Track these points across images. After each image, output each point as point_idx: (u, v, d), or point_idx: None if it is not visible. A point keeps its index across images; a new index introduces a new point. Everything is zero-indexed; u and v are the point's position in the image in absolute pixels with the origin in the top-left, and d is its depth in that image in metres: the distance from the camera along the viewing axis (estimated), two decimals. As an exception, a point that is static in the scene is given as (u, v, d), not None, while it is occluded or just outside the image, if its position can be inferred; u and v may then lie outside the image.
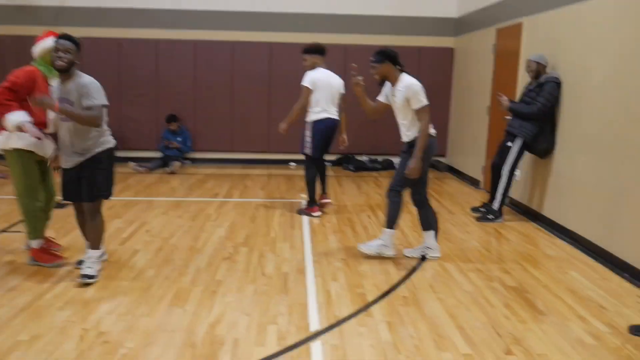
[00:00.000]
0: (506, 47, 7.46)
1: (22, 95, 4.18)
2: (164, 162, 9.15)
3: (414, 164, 4.53)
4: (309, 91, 6.04)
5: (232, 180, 8.39)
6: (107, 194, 4.23)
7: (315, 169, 6.30)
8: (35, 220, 4.42)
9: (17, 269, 4.38)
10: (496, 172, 6.25)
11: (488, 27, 8.18)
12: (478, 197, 7.48)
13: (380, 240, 4.87)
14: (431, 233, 4.91)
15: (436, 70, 9.80)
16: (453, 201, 7.31)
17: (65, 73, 3.93)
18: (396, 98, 4.66)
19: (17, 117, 4.17)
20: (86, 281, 4.04)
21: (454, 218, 6.38)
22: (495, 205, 6.21)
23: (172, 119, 9.40)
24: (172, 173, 8.83)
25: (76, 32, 9.44)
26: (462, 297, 4.06)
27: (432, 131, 4.68)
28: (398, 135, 4.86)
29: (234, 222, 5.97)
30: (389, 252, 4.84)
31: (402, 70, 4.69)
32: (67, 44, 3.89)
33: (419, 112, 4.56)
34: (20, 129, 4.17)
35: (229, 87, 9.82)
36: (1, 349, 3.13)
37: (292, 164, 9.88)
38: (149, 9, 9.67)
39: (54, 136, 4.25)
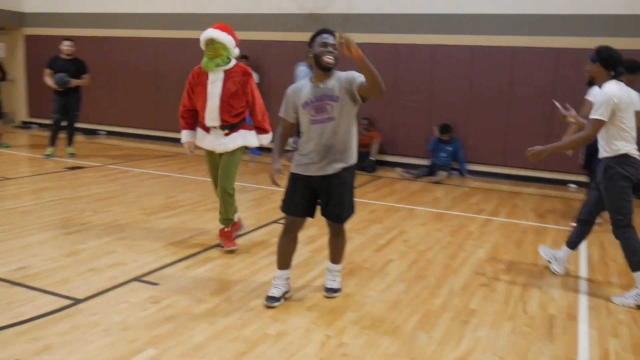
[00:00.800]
0: None
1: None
2: (430, 170, 8.97)
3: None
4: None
5: (500, 197, 7.80)
6: (353, 210, 3.83)
7: None
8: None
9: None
10: None
11: None
12: None
13: (636, 289, 3.98)
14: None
15: None
16: None
17: (329, 71, 3.62)
18: None
19: (183, 137, 4.81)
20: (332, 295, 3.90)
21: None
22: None
23: (446, 129, 9.11)
24: (438, 183, 8.59)
25: (360, 38, 9.86)
26: None
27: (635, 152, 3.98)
28: None
29: (497, 244, 5.45)
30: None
31: (615, 77, 3.93)
32: (333, 39, 3.53)
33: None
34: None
35: (506, 96, 9.18)
36: (251, 338, 3.24)
37: (573, 185, 8.81)
38: (428, 14, 9.57)
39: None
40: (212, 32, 4.51)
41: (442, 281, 4.35)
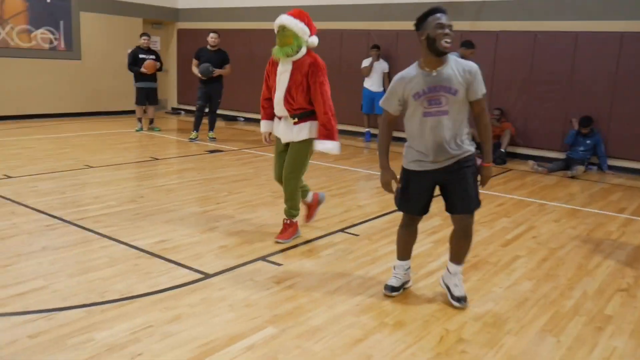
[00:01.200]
0: None
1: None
2: (566, 164, 8.28)
3: None
4: None
5: (645, 196, 7.01)
6: (479, 202, 3.44)
7: None
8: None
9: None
10: None
11: None
12: None
13: None
14: None
15: None
16: None
17: (444, 55, 3.20)
18: None
19: (261, 126, 4.69)
20: (464, 305, 3.41)
21: None
22: None
23: (586, 122, 8.32)
24: (573, 177, 7.91)
25: (494, 26, 9.31)
26: None
27: None
28: None
29: (639, 246, 4.89)
30: None
31: None
32: (447, 18, 3.18)
33: None
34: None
35: None
36: (368, 326, 3.15)
37: None
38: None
39: None
40: (283, 19, 4.16)
41: (574, 282, 3.96)
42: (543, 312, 3.44)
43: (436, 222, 5.23)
